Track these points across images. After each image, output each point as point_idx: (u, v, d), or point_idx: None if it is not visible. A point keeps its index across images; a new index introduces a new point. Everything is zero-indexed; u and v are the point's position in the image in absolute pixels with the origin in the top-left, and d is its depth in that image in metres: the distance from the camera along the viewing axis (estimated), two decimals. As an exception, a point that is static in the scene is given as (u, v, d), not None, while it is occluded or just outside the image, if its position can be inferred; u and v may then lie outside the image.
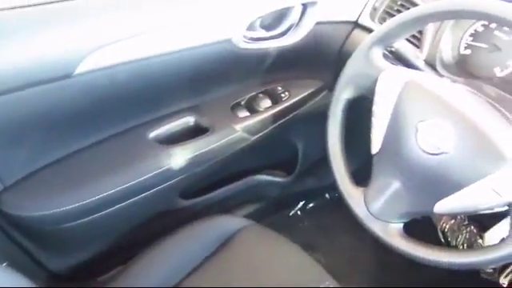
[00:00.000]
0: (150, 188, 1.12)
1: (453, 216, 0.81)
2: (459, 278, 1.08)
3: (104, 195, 1.05)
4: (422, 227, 0.99)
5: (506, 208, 0.75)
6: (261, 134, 1.25)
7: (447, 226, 1.71)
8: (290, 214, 1.74)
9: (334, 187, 0.93)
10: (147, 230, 1.19)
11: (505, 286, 1.59)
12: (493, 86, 1.00)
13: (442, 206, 0.79)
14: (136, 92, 1.07)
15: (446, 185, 0.77)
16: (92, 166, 1.07)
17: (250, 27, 1.10)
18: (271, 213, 1.60)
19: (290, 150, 1.46)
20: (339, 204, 0.94)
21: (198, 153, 1.14)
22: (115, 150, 1.11)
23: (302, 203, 1.75)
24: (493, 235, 1.09)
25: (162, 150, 1.12)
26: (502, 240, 0.75)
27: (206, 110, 1.21)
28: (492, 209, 0.76)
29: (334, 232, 1.67)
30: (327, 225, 1.69)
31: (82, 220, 1.06)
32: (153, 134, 1.15)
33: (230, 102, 1.24)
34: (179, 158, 1.12)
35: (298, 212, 1.75)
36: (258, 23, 1.14)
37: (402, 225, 0.85)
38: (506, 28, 1.01)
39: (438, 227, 1.73)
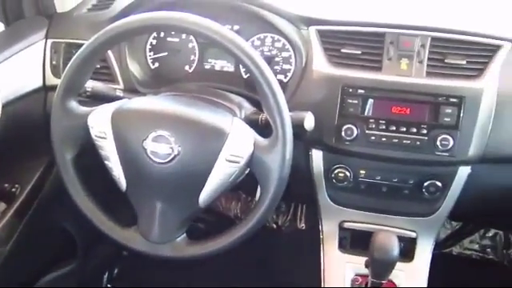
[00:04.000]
0: None
1: (216, 198, 0.86)
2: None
3: None
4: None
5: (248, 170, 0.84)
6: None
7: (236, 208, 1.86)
8: None
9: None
10: None
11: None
12: (190, 81, 1.11)
13: (205, 198, 0.84)
14: None
15: (194, 179, 0.82)
16: None
17: None
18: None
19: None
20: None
21: None
22: None
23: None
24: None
25: None
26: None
27: None
28: (239, 176, 0.85)
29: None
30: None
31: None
32: None
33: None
34: None
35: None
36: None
37: (185, 234, 0.88)
38: (173, 32, 1.12)
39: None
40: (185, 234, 0.88)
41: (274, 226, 1.85)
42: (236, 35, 0.80)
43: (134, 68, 1.11)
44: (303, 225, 1.81)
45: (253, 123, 0.91)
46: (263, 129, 0.88)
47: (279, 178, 0.81)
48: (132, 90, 1.07)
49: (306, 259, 1.18)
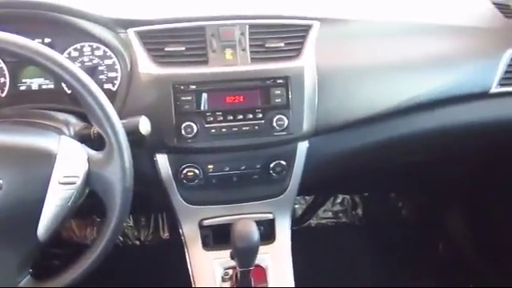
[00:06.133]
0: None
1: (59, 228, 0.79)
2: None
3: None
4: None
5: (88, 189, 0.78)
6: None
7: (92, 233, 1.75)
8: None
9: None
10: None
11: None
12: (5, 106, 0.99)
13: (44, 230, 0.76)
14: None
15: (26, 212, 0.75)
16: None
17: None
18: None
19: None
20: None
21: None
22: None
23: None
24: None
25: None
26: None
27: None
28: (79, 198, 0.78)
29: None
30: None
31: None
32: None
33: None
34: None
35: None
36: None
37: (29, 276, 0.78)
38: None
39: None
40: (29, 276, 0.78)
41: (137, 242, 1.77)
42: (47, 48, 0.74)
43: None
44: (167, 234, 1.77)
45: (85, 138, 0.85)
46: (98, 143, 0.83)
47: (123, 190, 0.76)
48: None
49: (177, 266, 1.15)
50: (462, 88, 1.11)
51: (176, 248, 1.13)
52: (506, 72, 1.11)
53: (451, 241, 1.76)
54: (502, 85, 1.11)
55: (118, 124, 0.77)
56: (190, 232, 1.09)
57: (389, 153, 1.20)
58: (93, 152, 0.79)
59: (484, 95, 1.12)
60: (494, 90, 1.11)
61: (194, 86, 0.96)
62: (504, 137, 1.22)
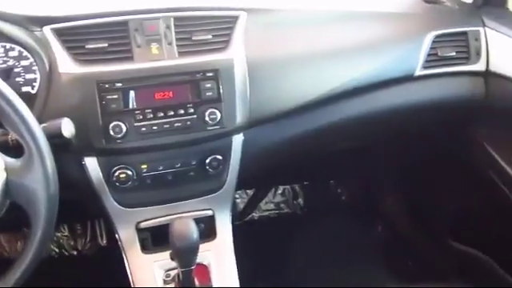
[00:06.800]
0: None
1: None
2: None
3: None
4: None
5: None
6: None
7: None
8: None
9: None
10: None
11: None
12: None
13: None
14: None
15: None
16: None
17: None
18: None
19: None
20: None
21: None
22: None
23: None
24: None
25: None
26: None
27: None
28: None
29: None
30: None
31: None
32: None
33: None
34: None
35: None
36: None
37: None
38: None
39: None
40: None
41: (75, 252, 1.69)
42: None
43: None
44: (105, 240, 1.69)
45: (2, 146, 0.78)
46: (17, 150, 0.77)
47: (47, 198, 0.72)
48: None
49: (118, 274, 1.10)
50: (388, 72, 1.13)
51: (115, 255, 1.09)
52: (429, 55, 1.15)
53: (388, 221, 1.83)
54: (425, 67, 1.15)
55: (36, 128, 0.72)
56: (127, 236, 1.05)
57: (323, 140, 1.21)
58: (11, 160, 0.73)
59: (409, 78, 1.15)
60: (419, 72, 1.15)
61: (120, 84, 0.92)
62: (428, 117, 1.27)
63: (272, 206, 1.94)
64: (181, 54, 0.95)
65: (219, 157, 1.01)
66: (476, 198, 1.44)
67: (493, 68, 1.18)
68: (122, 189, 0.98)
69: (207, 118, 0.95)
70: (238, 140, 1.02)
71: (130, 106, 0.93)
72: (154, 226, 1.06)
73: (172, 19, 0.96)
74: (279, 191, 1.94)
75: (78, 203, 1.12)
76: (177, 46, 0.95)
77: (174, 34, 0.96)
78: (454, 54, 1.17)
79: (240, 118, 0.99)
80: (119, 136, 0.92)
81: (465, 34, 1.18)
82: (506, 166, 1.20)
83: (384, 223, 1.84)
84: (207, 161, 1.01)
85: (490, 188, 1.26)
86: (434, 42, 1.15)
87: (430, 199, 1.67)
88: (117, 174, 0.96)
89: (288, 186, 1.95)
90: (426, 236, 1.69)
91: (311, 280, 1.54)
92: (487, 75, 1.19)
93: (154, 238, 1.07)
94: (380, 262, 1.68)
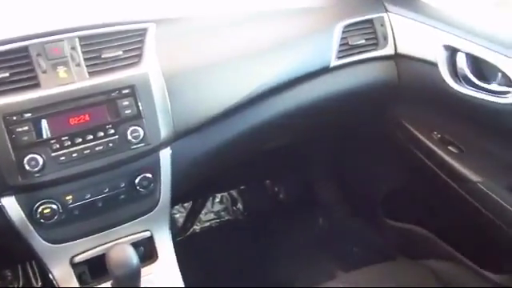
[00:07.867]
0: None
1: None
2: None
3: None
4: None
5: None
6: None
7: None
8: None
9: None
10: None
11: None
12: None
13: None
14: None
15: None
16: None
17: None
18: None
19: None
20: None
21: None
22: None
23: None
24: None
25: None
26: None
27: None
28: None
29: None
30: None
31: None
32: None
33: None
34: None
35: None
36: None
37: None
38: None
39: None
40: None
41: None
42: None
43: None
44: (40, 283, 1.58)
45: None
46: None
47: None
48: None
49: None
50: (306, 67, 1.15)
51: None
52: (341, 45, 1.19)
53: (328, 211, 1.86)
54: (339, 58, 1.19)
55: None
56: (61, 274, 0.98)
57: (252, 142, 1.21)
58: None
59: (326, 70, 1.18)
60: (334, 63, 1.18)
61: (29, 114, 0.85)
62: (349, 105, 1.31)
63: (212, 215, 1.91)
64: (91, 74, 0.91)
65: (149, 175, 0.98)
66: (404, 174, 1.50)
67: (401, 50, 1.24)
68: (48, 225, 0.92)
69: (130, 137, 0.92)
70: (165, 155, 0.99)
71: (44, 136, 0.87)
72: (90, 258, 1.00)
73: (77, 39, 0.91)
74: (217, 199, 1.92)
75: (2, 248, 1.03)
76: (86, 66, 0.91)
77: (81, 54, 0.91)
78: (364, 41, 1.22)
79: (164, 132, 0.96)
80: (36, 169, 0.85)
81: (370, 21, 1.23)
82: (424, 139, 1.26)
83: (324, 214, 1.87)
84: (137, 181, 0.97)
85: (414, 163, 1.32)
86: (343, 32, 1.19)
87: (363, 183, 1.72)
88: (40, 210, 0.90)
89: (225, 193, 1.93)
90: (364, 219, 1.74)
91: (262, 284, 1.53)
92: (397, 58, 1.25)
93: (92, 271, 1.01)
94: (326, 253, 1.70)
